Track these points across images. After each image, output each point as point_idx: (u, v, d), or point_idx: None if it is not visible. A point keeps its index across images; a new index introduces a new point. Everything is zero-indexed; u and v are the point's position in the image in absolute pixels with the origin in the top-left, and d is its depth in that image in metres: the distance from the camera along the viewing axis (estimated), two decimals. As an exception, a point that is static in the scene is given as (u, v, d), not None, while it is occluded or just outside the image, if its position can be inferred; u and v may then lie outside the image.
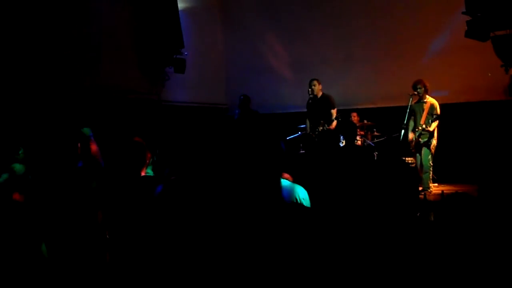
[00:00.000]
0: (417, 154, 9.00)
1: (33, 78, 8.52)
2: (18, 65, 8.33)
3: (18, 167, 4.54)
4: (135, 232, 3.72)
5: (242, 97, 10.38)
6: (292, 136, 10.10)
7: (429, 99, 8.89)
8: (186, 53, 11.41)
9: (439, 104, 8.85)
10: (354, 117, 10.65)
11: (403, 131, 8.89)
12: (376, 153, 9.28)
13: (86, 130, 5.06)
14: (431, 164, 8.86)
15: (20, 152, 5.73)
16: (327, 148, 9.06)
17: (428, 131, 8.71)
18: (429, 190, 8.71)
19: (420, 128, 8.78)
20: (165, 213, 3.60)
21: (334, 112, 9.22)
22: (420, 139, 8.89)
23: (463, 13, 8.61)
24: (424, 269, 2.81)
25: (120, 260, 3.57)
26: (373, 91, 11.21)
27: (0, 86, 7.99)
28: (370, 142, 10.00)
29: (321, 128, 9.14)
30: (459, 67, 10.05)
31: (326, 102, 9.26)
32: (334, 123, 9.10)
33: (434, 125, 8.72)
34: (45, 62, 8.76)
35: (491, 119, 9.51)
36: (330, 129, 9.14)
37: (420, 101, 8.96)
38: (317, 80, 9.36)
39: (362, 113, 10.72)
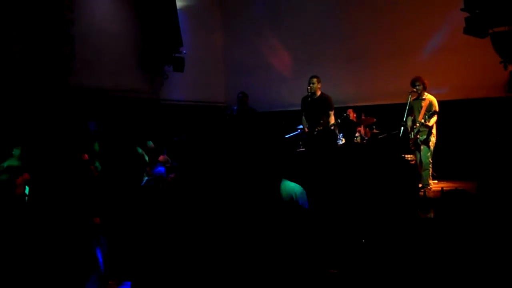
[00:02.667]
0: (417, 151, 9.01)
1: (30, 78, 8.52)
2: (16, 66, 8.33)
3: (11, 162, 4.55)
4: (135, 229, 3.72)
5: (240, 94, 10.37)
6: (291, 134, 10.04)
7: (428, 96, 8.89)
8: (184, 51, 11.42)
9: (438, 101, 8.86)
10: (350, 114, 10.60)
11: (402, 128, 8.88)
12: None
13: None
14: (431, 161, 8.86)
15: (16, 151, 5.74)
16: (327, 146, 9.05)
17: (427, 126, 8.72)
18: (428, 187, 8.71)
19: (418, 124, 8.80)
20: (165, 209, 3.61)
21: (332, 114, 9.18)
22: (418, 136, 8.89)
23: (461, 9, 8.62)
24: (424, 265, 2.82)
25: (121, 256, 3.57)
26: (372, 89, 11.21)
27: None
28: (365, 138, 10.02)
29: (321, 127, 9.10)
30: (457, 64, 10.05)
31: (325, 103, 9.18)
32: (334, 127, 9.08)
33: (433, 120, 8.73)
34: (42, 62, 8.76)
35: (490, 116, 9.52)
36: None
37: (419, 98, 8.96)
38: (317, 77, 9.28)
39: (360, 110, 10.71)
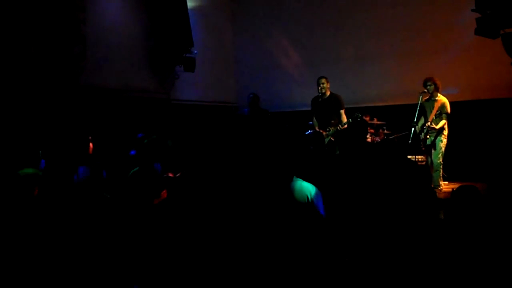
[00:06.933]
0: (427, 152, 8.99)
1: (41, 79, 8.57)
2: (28, 66, 8.38)
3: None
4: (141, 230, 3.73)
5: (251, 95, 10.37)
6: (308, 132, 9.96)
7: (440, 97, 8.85)
8: (195, 51, 11.44)
9: (449, 102, 8.83)
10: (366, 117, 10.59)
11: (413, 129, 8.87)
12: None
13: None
14: (441, 162, 8.83)
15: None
16: (344, 148, 9.06)
17: (434, 128, 8.70)
18: (439, 188, 8.68)
19: (427, 124, 8.77)
20: (173, 210, 3.62)
21: (343, 112, 9.19)
22: (428, 137, 8.86)
23: (472, 10, 8.58)
24: (434, 266, 2.82)
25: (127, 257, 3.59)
26: (383, 89, 11.19)
27: (7, 88, 8.06)
28: (379, 140, 9.98)
29: (332, 128, 9.10)
30: (468, 64, 10.02)
31: (335, 102, 9.21)
32: (346, 125, 9.07)
33: (441, 123, 8.71)
34: (54, 63, 8.80)
35: (501, 117, 9.49)
36: (343, 129, 9.12)
37: (431, 98, 8.92)
38: (326, 78, 9.31)
39: (371, 111, 10.71)
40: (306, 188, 4.41)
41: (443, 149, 8.79)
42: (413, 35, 10.82)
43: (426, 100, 8.98)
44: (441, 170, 8.88)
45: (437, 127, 8.69)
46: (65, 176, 5.17)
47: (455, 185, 8.91)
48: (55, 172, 5.47)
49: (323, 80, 9.27)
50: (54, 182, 4.95)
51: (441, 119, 8.71)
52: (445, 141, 8.80)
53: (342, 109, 9.20)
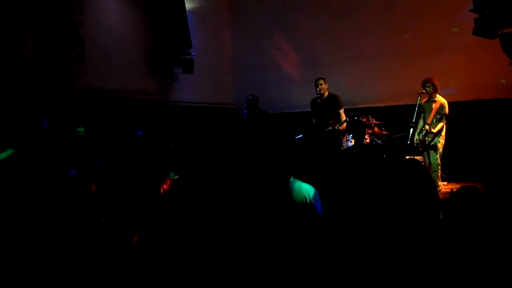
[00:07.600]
0: (425, 153, 8.99)
1: (39, 81, 8.57)
2: (26, 69, 8.38)
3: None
4: (141, 231, 3.73)
5: (250, 97, 10.37)
6: (298, 137, 10.05)
7: (439, 98, 8.86)
8: (194, 53, 11.43)
9: (447, 102, 8.84)
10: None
11: (411, 129, 8.88)
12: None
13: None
14: (440, 163, 8.84)
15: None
16: (332, 148, 9.06)
17: (432, 132, 8.71)
18: (438, 189, 8.69)
19: (426, 126, 8.78)
20: (171, 211, 3.61)
21: (342, 112, 9.22)
22: (427, 138, 8.87)
23: (470, 10, 8.59)
24: (435, 266, 2.82)
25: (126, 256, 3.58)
26: (381, 90, 11.20)
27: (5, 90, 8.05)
28: (379, 141, 9.98)
29: (330, 128, 9.12)
30: (467, 65, 10.03)
31: (333, 102, 9.25)
32: (345, 124, 9.10)
33: (439, 126, 8.71)
34: (51, 65, 8.79)
35: (499, 117, 9.50)
36: (340, 130, 9.15)
37: (430, 100, 8.94)
38: (323, 79, 9.35)
39: (370, 112, 10.71)
40: (305, 189, 4.40)
41: (441, 149, 8.81)
42: (411, 35, 10.84)
43: (425, 101, 9.00)
44: (439, 171, 8.90)
45: (435, 130, 8.70)
46: (61, 176, 5.20)
47: (453, 185, 8.95)
48: (52, 172, 5.49)
49: (321, 81, 9.31)
50: (51, 181, 4.97)
51: (440, 122, 8.72)
52: (443, 141, 8.81)
53: (341, 109, 9.24)
